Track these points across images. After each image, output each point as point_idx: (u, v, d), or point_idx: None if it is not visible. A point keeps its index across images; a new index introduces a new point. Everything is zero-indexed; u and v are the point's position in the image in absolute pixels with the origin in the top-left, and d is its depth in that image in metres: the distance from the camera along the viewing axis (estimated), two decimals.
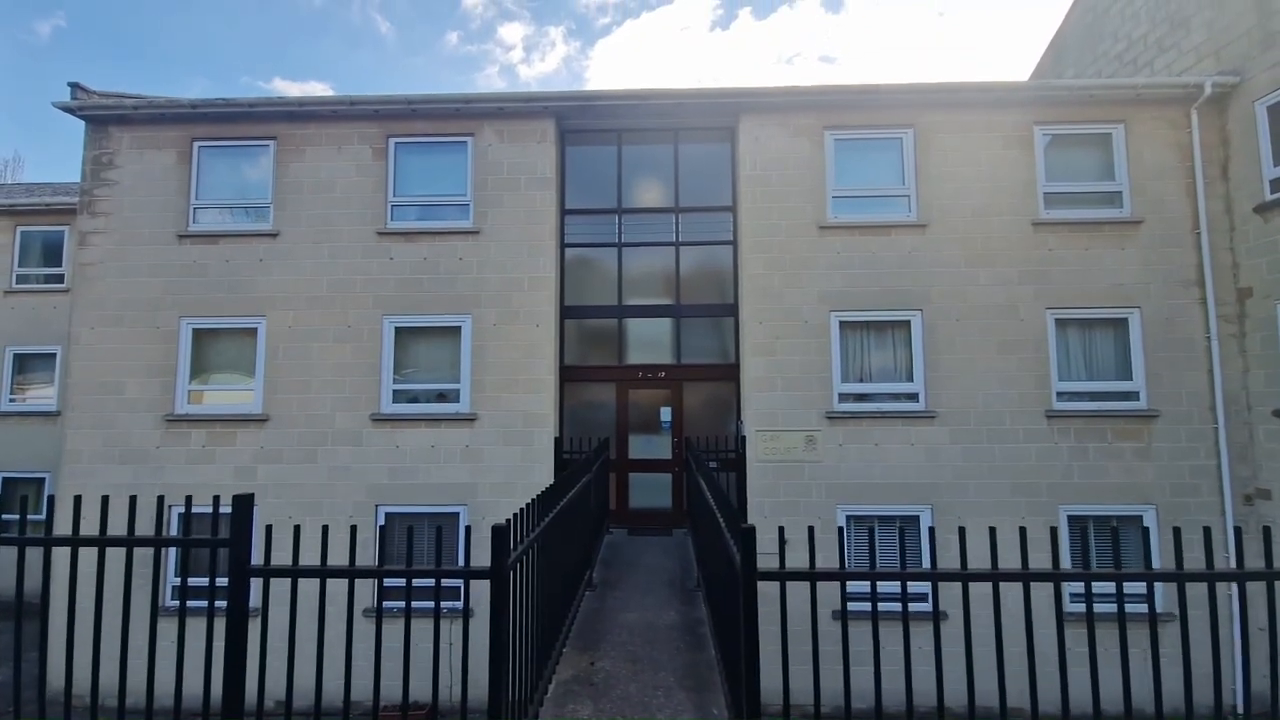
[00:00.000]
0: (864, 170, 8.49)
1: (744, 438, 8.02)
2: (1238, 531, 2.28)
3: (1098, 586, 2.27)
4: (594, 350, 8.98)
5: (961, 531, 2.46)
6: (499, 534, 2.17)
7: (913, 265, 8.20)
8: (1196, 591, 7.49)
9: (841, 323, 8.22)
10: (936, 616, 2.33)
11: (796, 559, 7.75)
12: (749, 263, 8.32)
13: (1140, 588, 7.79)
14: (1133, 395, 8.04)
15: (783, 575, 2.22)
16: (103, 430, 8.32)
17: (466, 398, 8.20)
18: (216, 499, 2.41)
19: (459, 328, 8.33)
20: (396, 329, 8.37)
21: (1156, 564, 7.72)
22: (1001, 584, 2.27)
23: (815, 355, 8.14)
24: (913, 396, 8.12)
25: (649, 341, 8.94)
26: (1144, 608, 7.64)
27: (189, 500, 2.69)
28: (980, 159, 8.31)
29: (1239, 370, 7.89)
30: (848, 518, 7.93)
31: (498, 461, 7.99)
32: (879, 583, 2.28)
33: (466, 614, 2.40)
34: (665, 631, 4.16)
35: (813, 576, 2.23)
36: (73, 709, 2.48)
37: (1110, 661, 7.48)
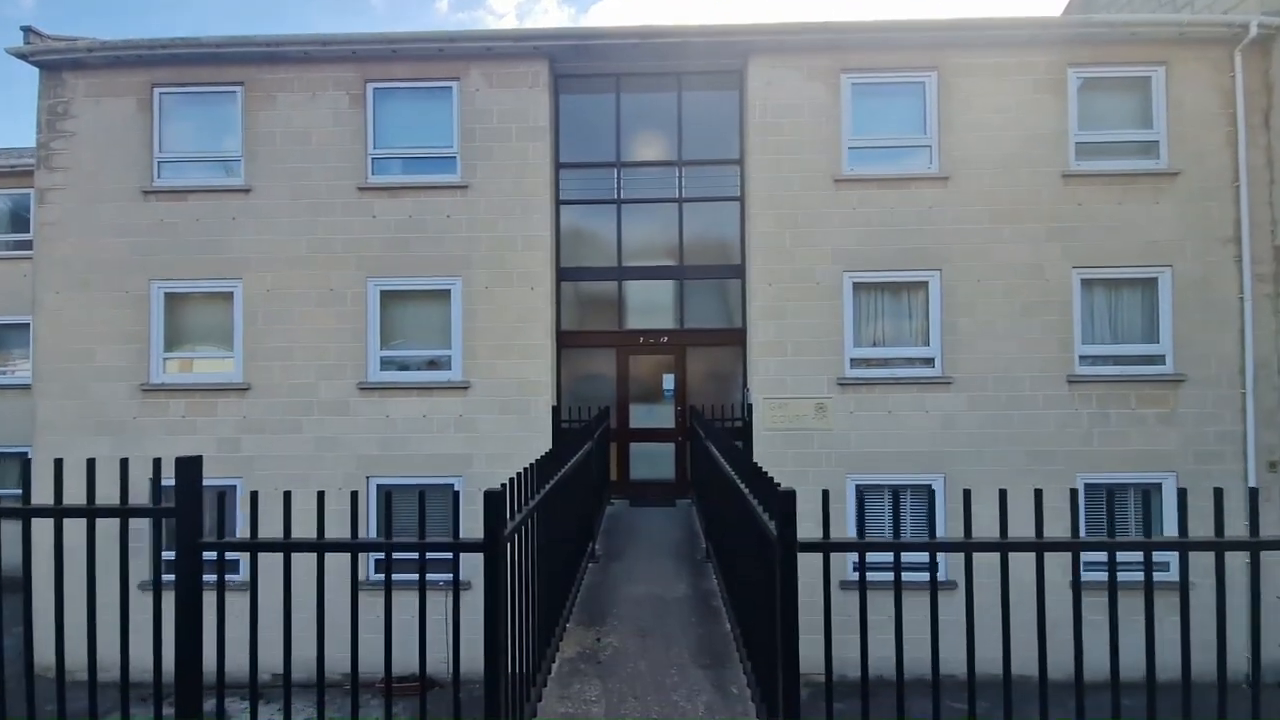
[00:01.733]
0: (883, 118, 8.13)
1: (750, 406, 7.89)
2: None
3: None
4: (593, 315, 8.76)
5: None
6: (493, 501, 2.01)
7: (932, 221, 7.93)
8: (1207, 560, 7.49)
9: (855, 284, 8.00)
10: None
11: (803, 529, 7.71)
12: (758, 219, 8.04)
13: (1159, 562, 7.82)
14: (1159, 359, 7.91)
15: (828, 546, 2.08)
16: (75, 400, 8.13)
17: (459, 365, 8.02)
18: (157, 461, 2.23)
19: (448, 291, 8.08)
20: (382, 292, 8.12)
21: (1175, 529, 7.71)
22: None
23: (827, 318, 7.94)
24: (928, 361, 7.97)
25: (650, 305, 8.72)
26: (1162, 576, 7.67)
27: (157, 465, 2.50)
28: (1008, 105, 7.94)
29: (1271, 332, 7.73)
30: (857, 487, 7.88)
31: (494, 431, 7.86)
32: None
33: (457, 588, 2.27)
34: (675, 604, 4.09)
35: (862, 547, 2.09)
36: (42, 685, 2.36)
37: (1130, 629, 7.57)
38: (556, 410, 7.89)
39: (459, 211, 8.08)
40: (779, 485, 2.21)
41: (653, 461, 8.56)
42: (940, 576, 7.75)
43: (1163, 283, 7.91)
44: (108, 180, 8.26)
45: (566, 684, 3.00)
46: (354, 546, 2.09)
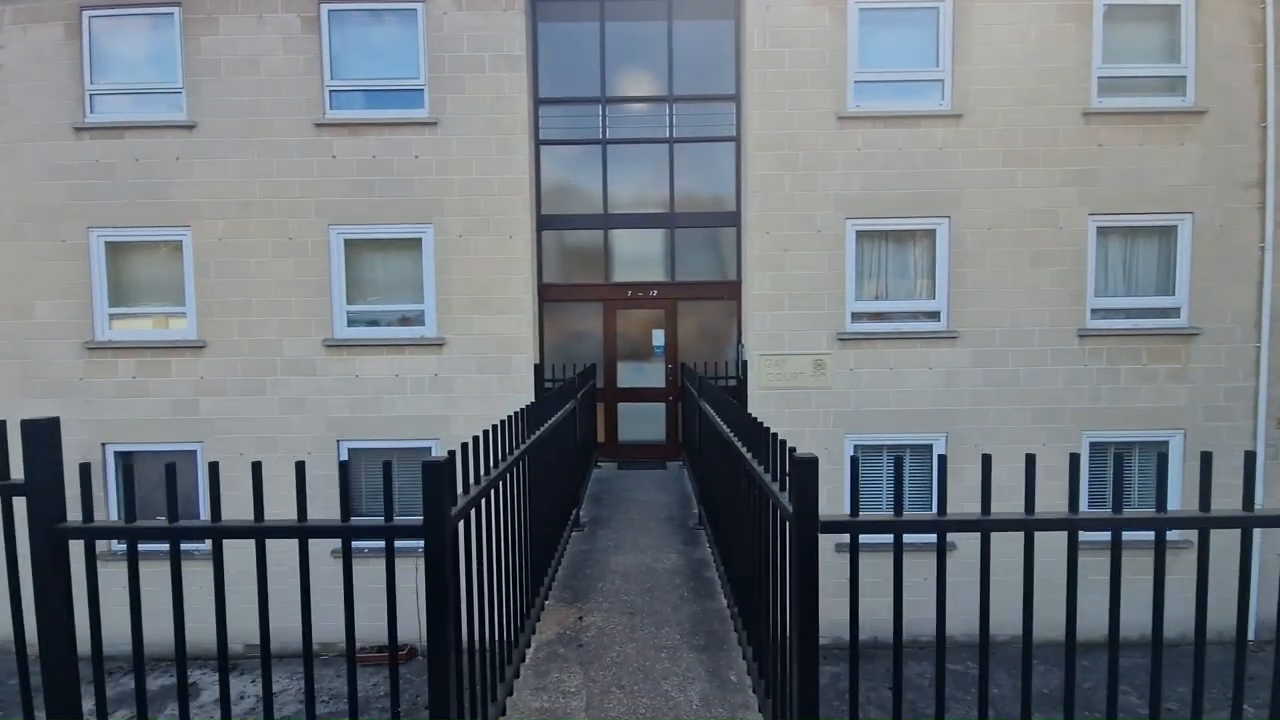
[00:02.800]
0: (892, 49, 7.47)
1: (745, 362, 7.47)
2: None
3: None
4: (577, 266, 8.20)
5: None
6: (436, 474, 1.56)
7: (943, 163, 7.39)
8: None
9: (859, 232, 7.49)
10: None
11: None
12: (755, 161, 7.44)
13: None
14: (1173, 312, 7.56)
15: (856, 525, 1.67)
16: (17, 360, 7.53)
17: (432, 320, 7.48)
18: (2, 424, 1.74)
19: (419, 239, 7.46)
20: (346, 241, 7.49)
21: (1178, 491, 7.54)
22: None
23: (827, 269, 7.46)
24: (933, 315, 7.56)
25: (639, 256, 8.17)
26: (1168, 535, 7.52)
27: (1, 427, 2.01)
28: (1029, 34, 7.31)
29: None
30: (857, 447, 7.59)
31: (472, 391, 7.40)
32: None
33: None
34: (666, 577, 3.74)
35: (900, 526, 1.68)
36: None
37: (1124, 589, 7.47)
38: (539, 369, 7.41)
39: (428, 151, 7.38)
40: (794, 450, 1.78)
41: (642, 422, 8.18)
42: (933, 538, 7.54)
43: (1181, 231, 7.49)
44: (37, 115, 7.44)
45: (544, 672, 2.64)
46: (259, 532, 1.64)
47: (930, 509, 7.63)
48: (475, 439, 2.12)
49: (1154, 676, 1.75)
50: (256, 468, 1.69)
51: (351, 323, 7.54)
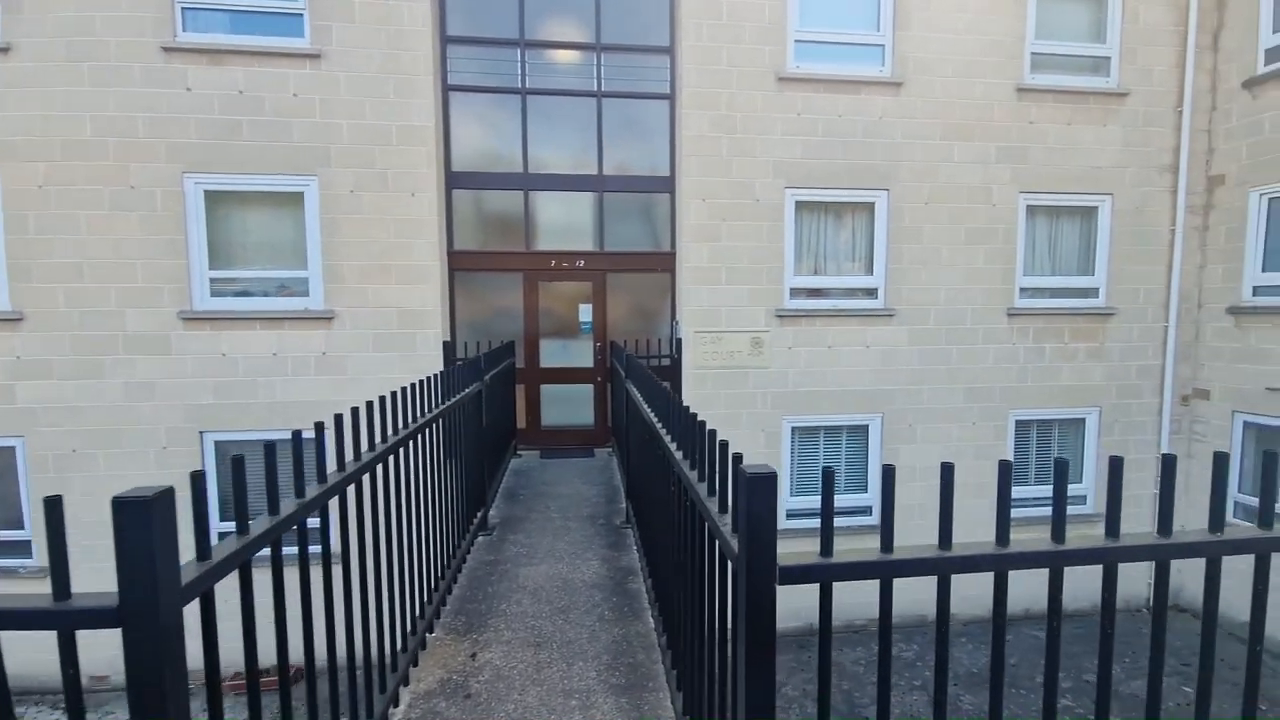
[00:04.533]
0: (834, 7, 7.06)
1: (680, 340, 6.96)
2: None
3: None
4: (494, 232, 7.34)
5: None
6: (138, 519, 0.85)
7: (882, 134, 7.11)
8: (1126, 493, 7.44)
9: (798, 202, 7.11)
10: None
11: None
12: (690, 121, 6.86)
13: (1077, 496, 7.91)
14: (1093, 292, 7.73)
15: (830, 569, 1.13)
16: None
17: (319, 290, 6.42)
18: None
19: (301, 194, 6.36)
20: (207, 193, 6.26)
21: (1093, 466, 7.80)
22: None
23: (766, 242, 7.04)
24: (871, 292, 7.33)
25: (564, 223, 7.41)
26: (1078, 509, 7.78)
27: None
28: (968, 3, 7.11)
29: (1195, 266, 7.72)
30: (793, 429, 7.29)
31: (368, 372, 6.44)
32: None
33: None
34: (584, 592, 3.13)
35: (888, 570, 1.15)
36: None
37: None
38: (449, 346, 6.57)
39: (310, 89, 6.26)
40: (741, 461, 1.21)
41: (568, 405, 7.51)
42: (872, 520, 7.43)
43: (1102, 212, 7.64)
44: None
45: None
46: None
47: (868, 492, 7.49)
48: (269, 446, 1.41)
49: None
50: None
51: (216, 292, 6.35)
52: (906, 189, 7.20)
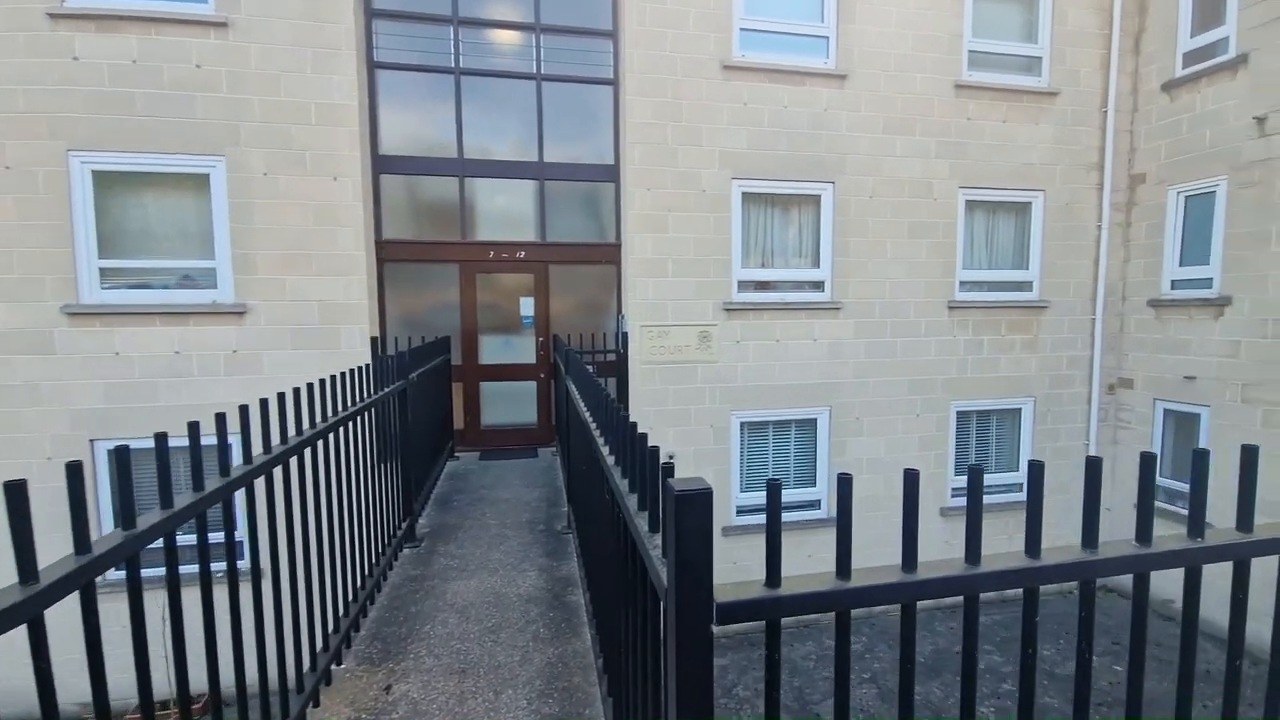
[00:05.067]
0: None
1: (625, 335, 6.74)
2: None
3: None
4: (428, 221, 6.92)
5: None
6: None
7: (827, 126, 7.10)
8: (1061, 474, 7.71)
9: (745, 194, 7.01)
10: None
11: (684, 474, 6.91)
12: (635, 109, 6.65)
13: (1012, 484, 8.15)
14: (1027, 285, 7.97)
15: (778, 604, 0.93)
16: None
17: (228, 281, 5.87)
18: None
19: (206, 176, 5.79)
20: (96, 174, 5.61)
21: (1028, 455, 8.04)
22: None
23: (714, 234, 6.91)
24: (818, 285, 7.32)
25: (504, 212, 7.07)
26: (1014, 497, 8.02)
27: None
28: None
29: (1120, 261, 8.08)
30: (742, 425, 7.20)
31: (285, 371, 5.93)
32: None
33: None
34: (519, 607, 2.87)
35: (842, 600, 0.96)
36: None
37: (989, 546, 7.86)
38: (378, 343, 6.14)
39: (215, 60, 5.70)
40: (671, 472, 1.01)
41: (510, 404, 7.18)
42: (821, 514, 7.43)
43: (1035, 208, 7.88)
44: None
45: None
46: None
47: (817, 486, 7.48)
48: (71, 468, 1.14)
49: None
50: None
51: (109, 284, 5.71)
52: (852, 182, 7.21)
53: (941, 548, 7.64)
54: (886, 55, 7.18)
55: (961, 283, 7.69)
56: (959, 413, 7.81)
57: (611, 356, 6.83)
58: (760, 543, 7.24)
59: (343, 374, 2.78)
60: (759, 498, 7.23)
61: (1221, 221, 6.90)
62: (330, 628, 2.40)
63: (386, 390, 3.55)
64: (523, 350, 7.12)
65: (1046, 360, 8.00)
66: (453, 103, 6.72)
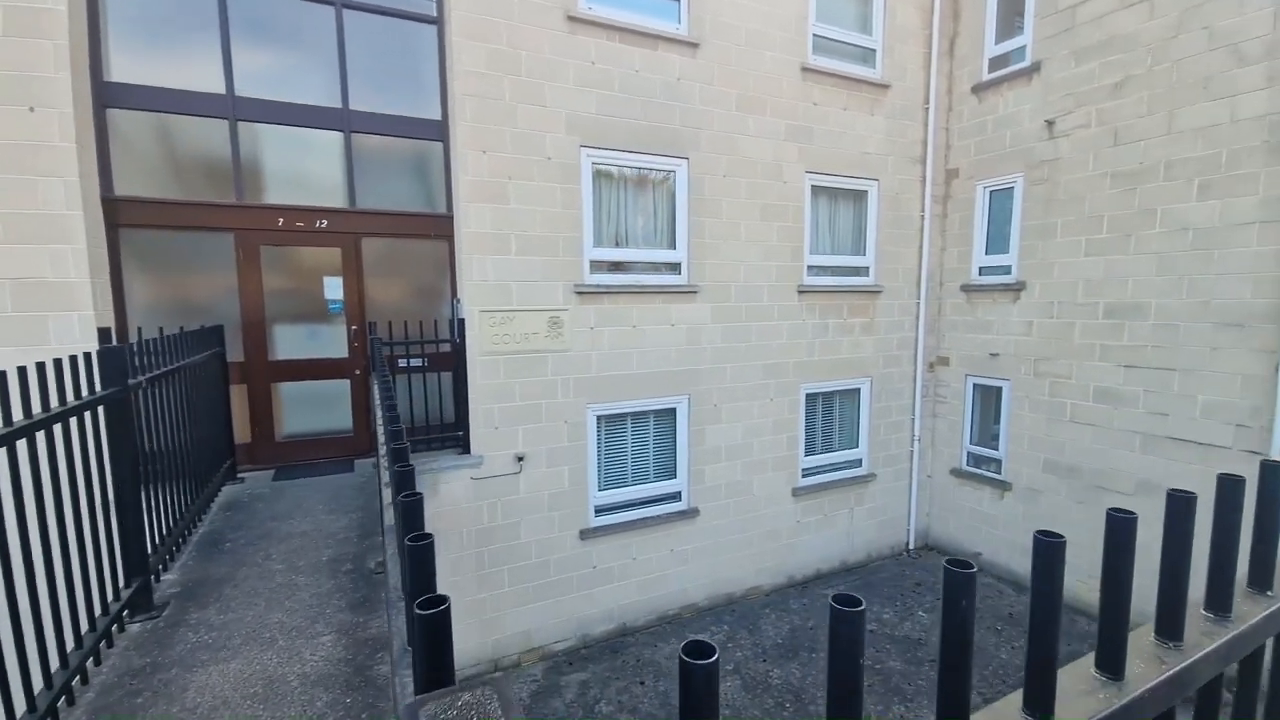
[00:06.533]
0: None
1: (462, 322, 5.85)
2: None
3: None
4: (189, 178, 5.36)
5: None
6: None
7: (681, 98, 6.74)
8: (889, 463, 8.30)
9: (595, 165, 6.41)
10: None
11: (536, 476, 6.25)
12: (464, 54, 5.69)
13: (854, 460, 8.64)
14: (864, 270, 8.41)
15: None
16: None
17: None
18: None
19: None
20: None
21: (866, 431, 8.58)
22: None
23: (561, 207, 6.23)
24: (674, 267, 7.00)
25: (298, 171, 5.73)
26: (856, 472, 8.54)
27: None
28: None
29: (939, 249, 8.85)
30: (599, 418, 6.69)
31: None
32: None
33: None
34: (297, 697, 2.03)
35: None
36: None
37: (829, 524, 8.27)
38: (109, 334, 4.58)
39: None
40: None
41: (317, 407, 5.93)
42: (682, 506, 7.21)
43: (871, 196, 8.30)
44: None
45: None
46: None
47: (677, 478, 7.24)
48: None
49: None
50: None
51: None
52: (706, 159, 6.95)
53: (794, 527, 7.86)
54: (737, 28, 6.98)
55: (809, 267, 7.87)
56: (808, 395, 8.05)
57: (446, 347, 5.89)
58: (621, 541, 6.89)
59: None
60: (619, 495, 6.81)
61: (1019, 215, 7.75)
62: None
63: (80, 401, 2.44)
64: (331, 342, 5.89)
65: (881, 342, 8.55)
66: (216, 22, 5.22)
